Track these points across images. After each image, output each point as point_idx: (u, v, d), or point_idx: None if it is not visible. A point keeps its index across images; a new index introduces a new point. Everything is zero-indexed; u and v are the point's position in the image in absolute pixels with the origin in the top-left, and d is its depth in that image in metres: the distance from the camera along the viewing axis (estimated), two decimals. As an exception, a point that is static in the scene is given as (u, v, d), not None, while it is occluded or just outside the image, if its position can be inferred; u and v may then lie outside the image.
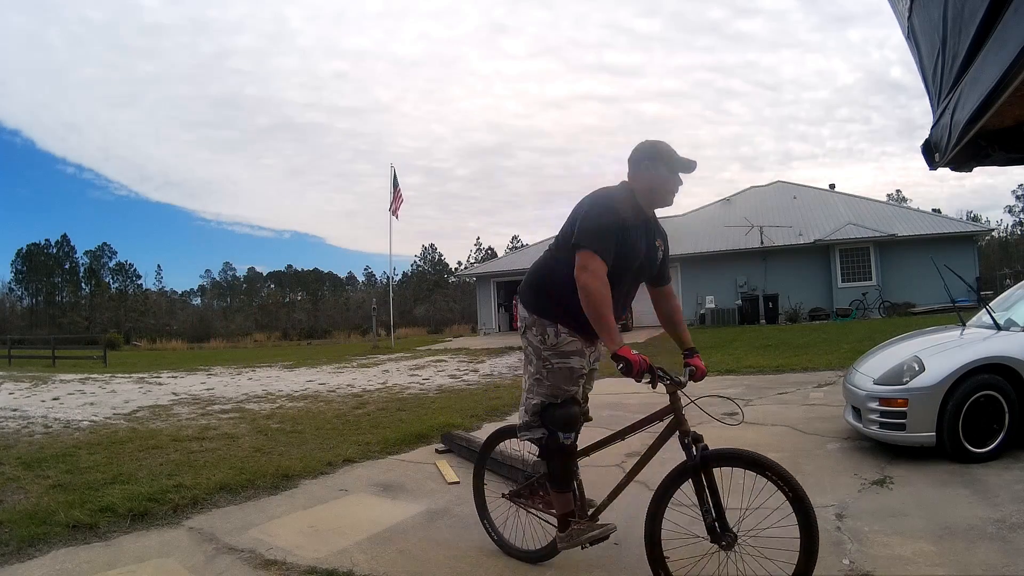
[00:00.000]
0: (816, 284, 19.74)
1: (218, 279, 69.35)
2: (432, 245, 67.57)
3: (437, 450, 5.08)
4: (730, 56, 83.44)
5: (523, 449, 4.47)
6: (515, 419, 2.91)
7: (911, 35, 2.12)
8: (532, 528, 2.98)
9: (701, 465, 2.35)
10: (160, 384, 11.01)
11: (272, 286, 69.45)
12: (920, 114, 70.20)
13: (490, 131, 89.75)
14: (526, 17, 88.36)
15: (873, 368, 4.47)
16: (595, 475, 4.19)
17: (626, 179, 2.56)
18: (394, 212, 21.32)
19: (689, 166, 2.48)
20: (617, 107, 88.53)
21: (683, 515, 2.50)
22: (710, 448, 2.44)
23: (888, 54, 75.07)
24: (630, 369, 2.27)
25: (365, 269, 74.77)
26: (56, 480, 4.31)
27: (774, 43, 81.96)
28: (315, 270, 70.96)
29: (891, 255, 19.17)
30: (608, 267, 2.37)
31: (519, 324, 2.84)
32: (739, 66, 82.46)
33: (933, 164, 2.18)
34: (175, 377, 12.39)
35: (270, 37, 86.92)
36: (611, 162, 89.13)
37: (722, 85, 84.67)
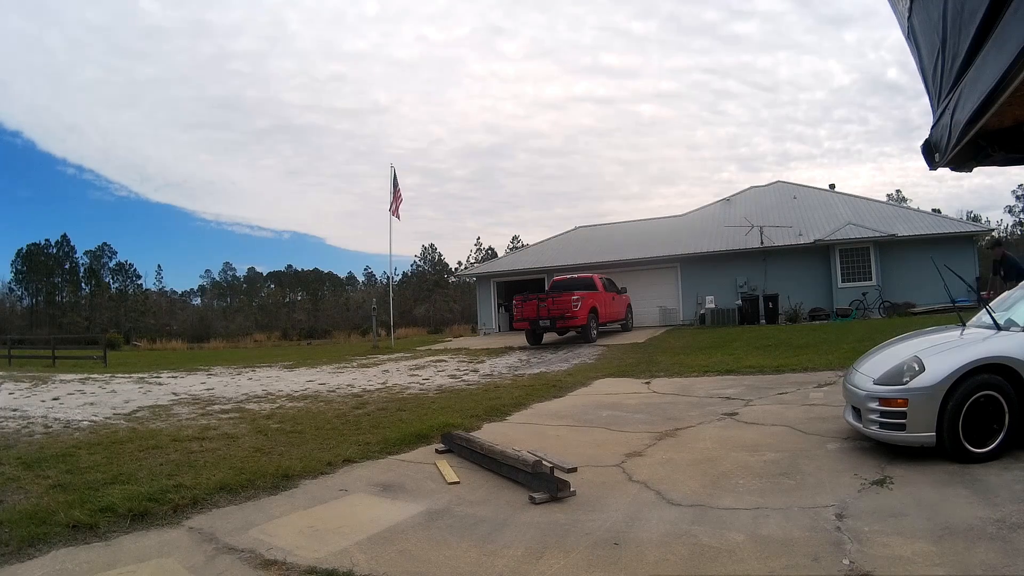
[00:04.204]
0: (816, 284, 19.73)
1: (218, 279, 69.35)
2: (432, 245, 67.45)
3: (437, 450, 5.08)
4: (726, 58, 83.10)
5: (523, 449, 4.47)
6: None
7: (911, 35, 2.13)
8: None
9: None
10: (160, 384, 11.00)
11: (272, 286, 69.40)
12: (917, 115, 70.02)
13: (488, 132, 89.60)
14: (522, 20, 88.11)
15: (873, 368, 4.47)
16: (593, 475, 4.20)
17: None
18: (394, 212, 21.32)
19: None
20: (614, 108, 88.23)
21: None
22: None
23: (884, 55, 74.93)
24: None
25: (365, 269, 74.78)
26: (56, 480, 4.31)
27: (770, 44, 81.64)
28: (315, 270, 71.01)
29: (891, 255, 19.16)
30: None
31: None
32: (735, 67, 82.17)
33: (933, 164, 2.18)
34: (175, 377, 12.39)
35: (269, 40, 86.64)
36: (609, 163, 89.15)
37: (718, 86, 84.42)
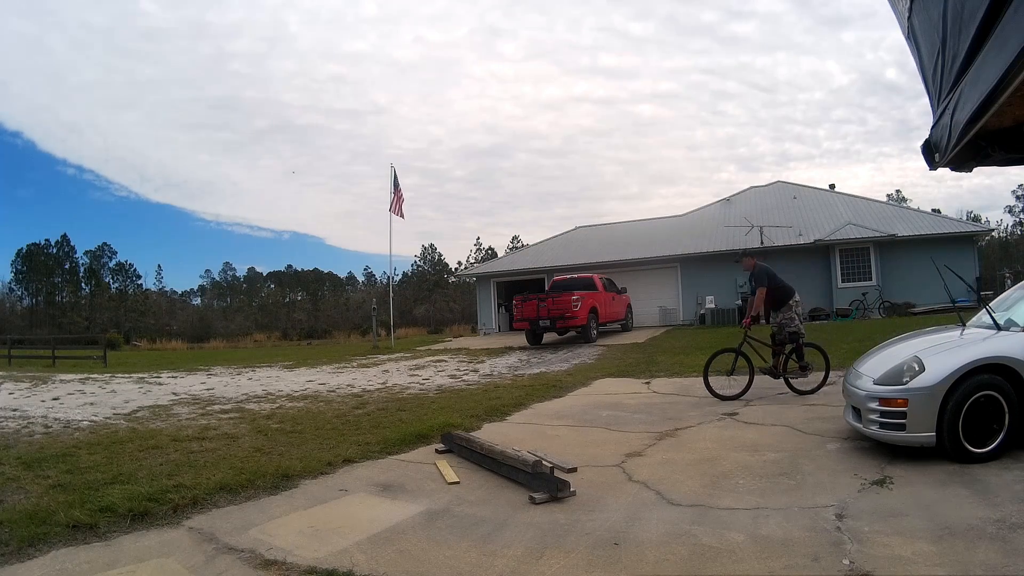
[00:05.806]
0: (816, 284, 19.72)
1: (218, 279, 69.29)
2: (432, 245, 67.32)
3: (437, 450, 5.08)
4: (724, 58, 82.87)
5: (523, 449, 4.48)
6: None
7: (911, 35, 2.13)
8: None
9: None
10: (160, 384, 11.00)
11: (272, 286, 69.38)
12: (916, 115, 69.87)
13: (487, 133, 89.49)
14: (521, 21, 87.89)
15: (873, 368, 4.47)
16: (593, 475, 4.20)
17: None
18: (396, 211, 21.31)
19: None
20: (613, 109, 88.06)
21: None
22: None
23: (883, 55, 74.80)
24: None
25: (365, 269, 74.71)
26: (56, 480, 4.31)
27: (768, 45, 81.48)
28: (315, 270, 70.90)
29: (891, 255, 19.17)
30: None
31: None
32: (734, 68, 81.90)
33: (933, 164, 2.18)
34: (175, 377, 12.39)
35: (268, 40, 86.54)
36: (608, 163, 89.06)
37: (717, 87, 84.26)
